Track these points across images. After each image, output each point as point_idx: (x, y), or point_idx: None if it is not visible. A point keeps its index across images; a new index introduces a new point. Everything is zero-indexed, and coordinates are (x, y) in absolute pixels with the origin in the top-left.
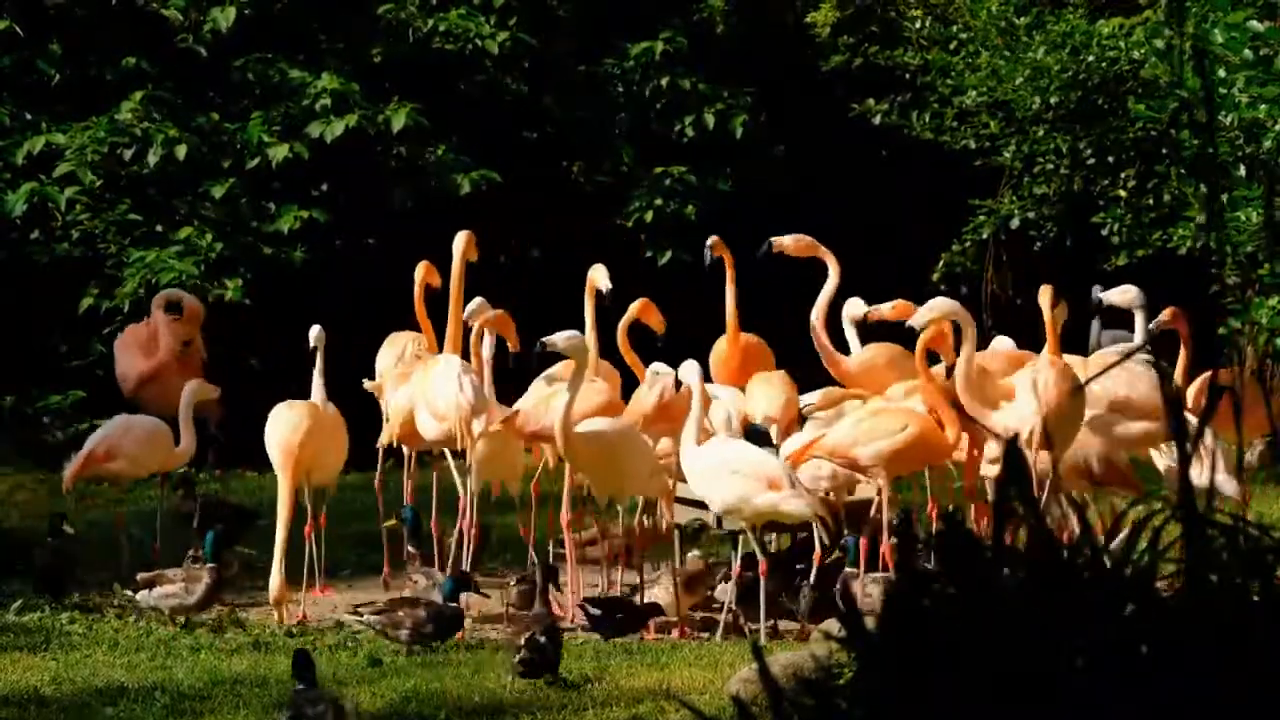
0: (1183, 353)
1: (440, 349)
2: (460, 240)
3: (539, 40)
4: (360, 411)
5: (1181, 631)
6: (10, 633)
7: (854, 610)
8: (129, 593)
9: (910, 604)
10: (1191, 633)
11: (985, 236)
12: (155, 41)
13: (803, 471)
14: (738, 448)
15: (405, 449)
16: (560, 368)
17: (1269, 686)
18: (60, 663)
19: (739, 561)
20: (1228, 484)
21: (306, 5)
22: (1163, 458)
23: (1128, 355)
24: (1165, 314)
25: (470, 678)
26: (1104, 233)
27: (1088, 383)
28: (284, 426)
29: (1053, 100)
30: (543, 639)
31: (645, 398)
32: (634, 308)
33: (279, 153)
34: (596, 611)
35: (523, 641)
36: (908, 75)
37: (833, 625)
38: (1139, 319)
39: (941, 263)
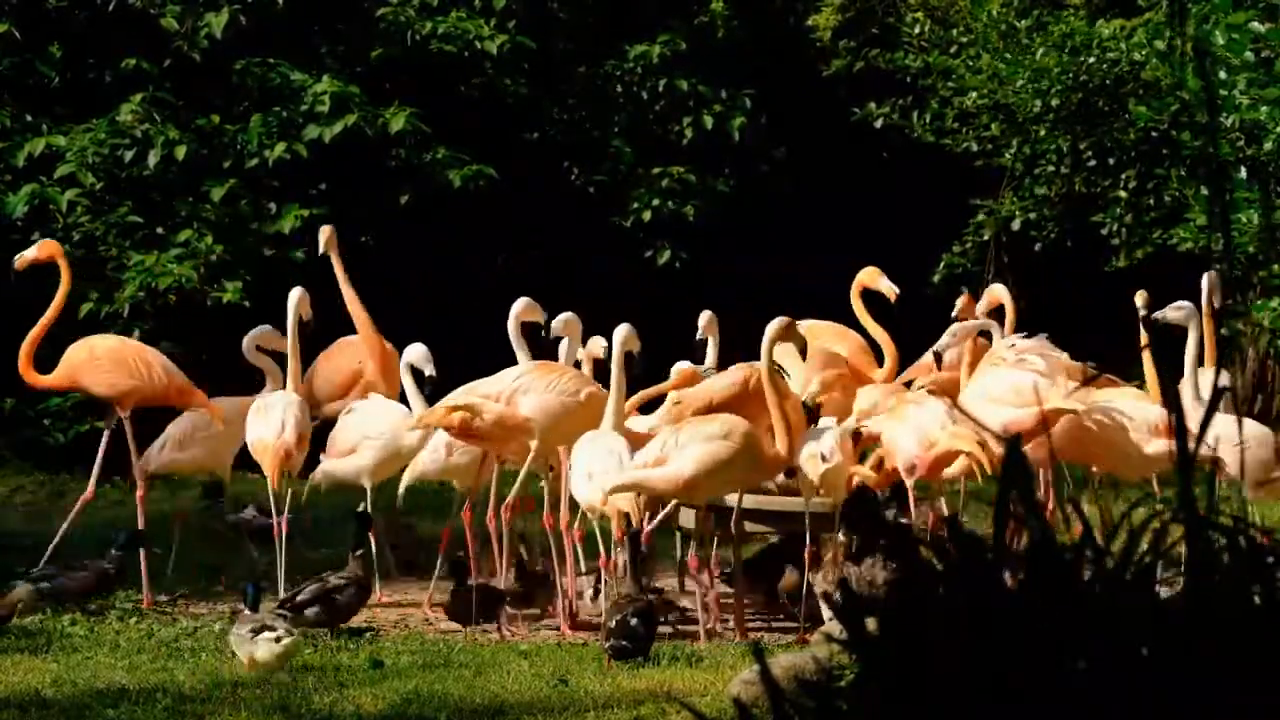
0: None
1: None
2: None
3: (538, 42)
4: None
5: (1182, 633)
6: (11, 634)
7: (854, 611)
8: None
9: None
10: (1192, 635)
11: (986, 237)
12: (155, 44)
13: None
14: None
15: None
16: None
17: (1269, 689)
18: (62, 664)
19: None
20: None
21: (306, 9)
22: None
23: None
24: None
25: (472, 679)
26: (1104, 233)
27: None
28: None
29: (1053, 102)
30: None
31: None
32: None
33: (277, 151)
34: None
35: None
36: (909, 78)
37: (834, 627)
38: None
39: (942, 264)
